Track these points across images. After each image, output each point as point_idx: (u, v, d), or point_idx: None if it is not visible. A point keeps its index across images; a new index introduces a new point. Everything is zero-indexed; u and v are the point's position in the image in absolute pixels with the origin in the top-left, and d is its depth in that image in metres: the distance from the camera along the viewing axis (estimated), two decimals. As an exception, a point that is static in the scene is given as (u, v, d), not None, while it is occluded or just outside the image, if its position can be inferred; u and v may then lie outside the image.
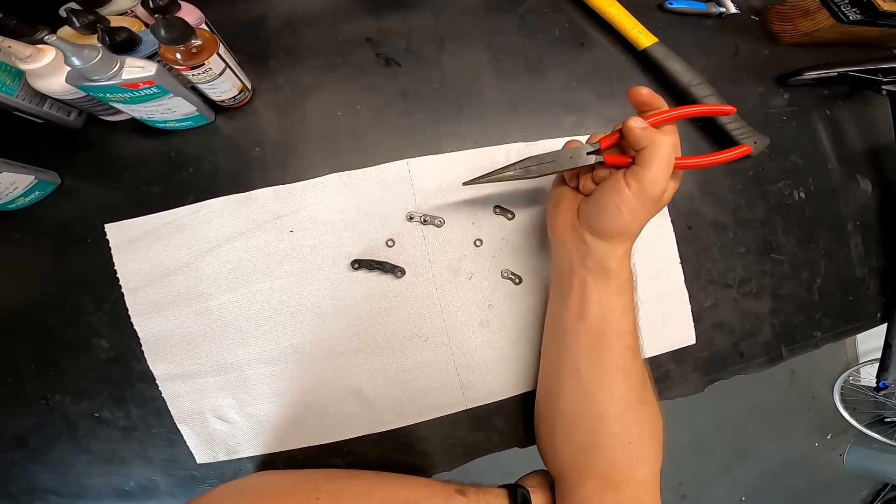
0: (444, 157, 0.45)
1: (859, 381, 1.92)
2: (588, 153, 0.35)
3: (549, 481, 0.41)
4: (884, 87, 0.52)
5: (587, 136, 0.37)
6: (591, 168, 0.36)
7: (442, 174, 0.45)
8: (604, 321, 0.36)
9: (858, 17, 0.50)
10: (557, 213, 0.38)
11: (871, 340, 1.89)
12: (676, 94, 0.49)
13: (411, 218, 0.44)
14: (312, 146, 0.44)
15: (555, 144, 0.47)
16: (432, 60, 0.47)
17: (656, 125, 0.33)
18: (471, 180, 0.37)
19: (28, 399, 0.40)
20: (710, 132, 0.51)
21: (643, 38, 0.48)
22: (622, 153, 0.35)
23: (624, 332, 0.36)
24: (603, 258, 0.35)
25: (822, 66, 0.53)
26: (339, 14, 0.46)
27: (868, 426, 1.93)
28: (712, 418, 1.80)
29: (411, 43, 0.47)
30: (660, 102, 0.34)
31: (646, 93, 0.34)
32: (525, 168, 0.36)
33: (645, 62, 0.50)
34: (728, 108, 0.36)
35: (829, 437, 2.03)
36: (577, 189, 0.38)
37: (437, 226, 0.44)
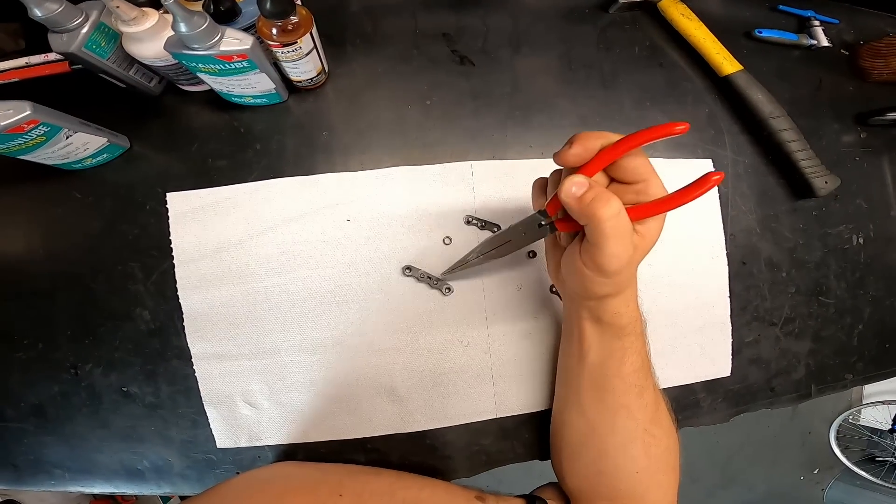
0: (507, 163, 0.44)
1: (859, 420, 1.93)
2: (540, 224, 0.32)
3: (564, 494, 0.41)
4: None
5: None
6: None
7: (503, 180, 0.44)
8: (603, 364, 0.35)
9: None
10: (549, 263, 0.37)
11: (878, 384, 1.89)
12: (752, 125, 0.48)
13: (469, 221, 0.43)
14: (379, 136, 0.43)
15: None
16: (506, 63, 0.46)
17: (611, 162, 0.27)
18: (446, 271, 0.40)
19: (57, 366, 0.40)
20: (781, 167, 0.50)
21: (727, 64, 0.47)
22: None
23: (625, 372, 0.35)
24: (594, 311, 0.33)
25: None
26: (419, 5, 0.45)
27: (856, 464, 1.94)
28: (708, 444, 1.82)
29: (487, 43, 0.46)
30: (597, 142, 0.27)
31: (574, 152, 0.28)
32: (485, 254, 0.37)
33: (723, 89, 0.49)
34: (679, 125, 0.26)
35: (815, 471, 2.04)
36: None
37: (494, 232, 0.44)
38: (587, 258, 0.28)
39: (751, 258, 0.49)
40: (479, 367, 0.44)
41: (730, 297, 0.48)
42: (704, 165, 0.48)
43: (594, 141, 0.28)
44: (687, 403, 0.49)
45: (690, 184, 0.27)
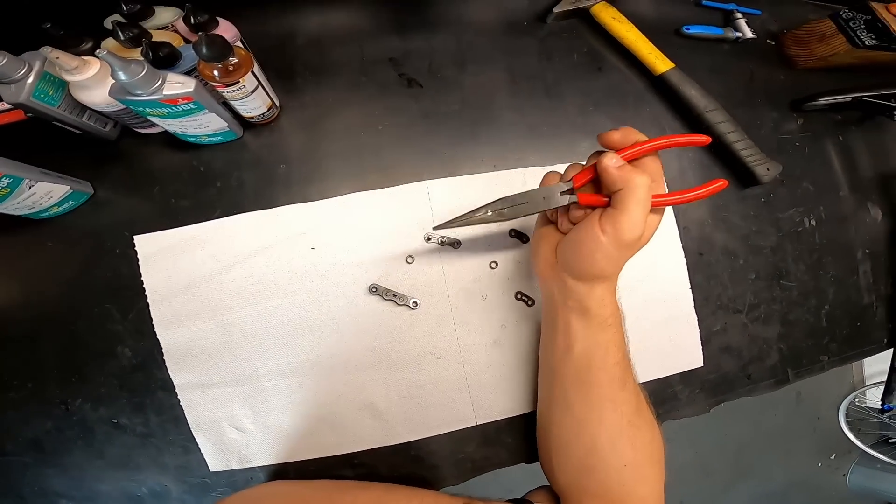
0: (461, 179, 0.46)
1: (865, 402, 1.91)
2: (562, 192, 0.34)
3: (555, 497, 0.41)
4: None
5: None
6: (567, 207, 0.35)
7: (459, 196, 0.46)
8: (588, 356, 0.36)
9: (874, 42, 0.51)
10: (539, 252, 0.38)
11: (877, 364, 1.88)
12: (691, 120, 0.50)
13: (429, 239, 0.45)
14: (335, 164, 0.45)
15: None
16: (453, 82, 0.48)
17: (634, 157, 0.32)
18: (441, 224, 0.36)
19: (48, 403, 0.41)
20: (723, 158, 0.51)
21: (660, 63, 0.49)
22: (597, 191, 0.33)
23: (609, 364, 0.36)
24: (582, 299, 0.35)
25: (837, 91, 0.53)
26: (365, 33, 0.48)
27: (872, 447, 1.91)
28: (716, 438, 1.79)
29: (433, 64, 0.48)
30: (635, 137, 0.32)
31: (616, 137, 0.32)
32: (497, 210, 0.35)
33: (660, 87, 0.51)
34: (701, 137, 0.33)
35: (832, 457, 2.01)
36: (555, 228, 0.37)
37: (454, 247, 0.45)
38: (608, 224, 0.31)
39: (707, 249, 0.51)
40: (454, 377, 0.45)
41: (691, 288, 0.49)
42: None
43: (633, 135, 0.32)
44: (665, 397, 0.50)
45: (697, 187, 0.33)
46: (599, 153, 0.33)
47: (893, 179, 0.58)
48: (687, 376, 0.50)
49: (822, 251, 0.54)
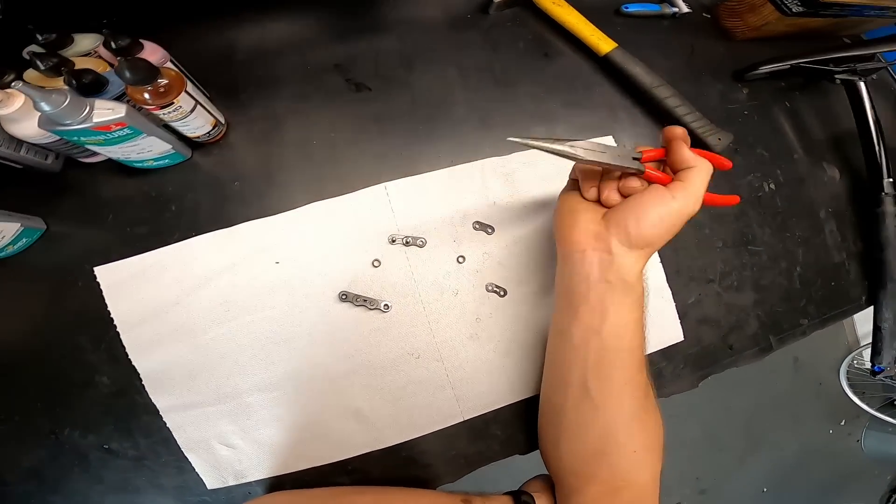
0: (420, 177, 0.46)
1: (864, 363, 1.91)
2: (634, 158, 0.35)
3: (551, 485, 0.41)
4: (836, 76, 0.54)
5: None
6: (619, 178, 0.36)
7: (420, 194, 0.46)
8: (618, 336, 0.36)
9: (801, 8, 0.52)
10: (577, 224, 0.36)
11: (869, 323, 1.89)
12: (639, 97, 0.51)
13: (393, 240, 0.45)
14: (291, 176, 0.45)
15: (527, 157, 0.48)
16: (402, 82, 0.48)
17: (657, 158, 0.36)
18: (520, 140, 0.33)
19: (38, 433, 0.41)
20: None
21: (603, 44, 0.50)
22: (660, 170, 0.36)
23: (635, 346, 0.36)
24: (626, 271, 0.35)
25: (775, 59, 0.54)
26: (306, 43, 0.48)
27: (880, 409, 1.91)
28: (721, 411, 1.79)
29: (380, 66, 0.48)
30: (684, 141, 0.35)
31: (680, 132, 0.35)
32: (574, 147, 0.33)
33: (607, 68, 0.52)
34: (725, 161, 0.39)
35: (842, 423, 2.01)
36: (592, 201, 0.38)
37: (420, 246, 0.45)
38: (679, 192, 0.33)
39: (671, 221, 0.51)
40: (435, 376, 0.45)
41: (661, 261, 0.50)
42: (607, 141, 0.51)
43: (684, 139, 0.35)
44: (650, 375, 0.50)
45: (726, 195, 0.40)
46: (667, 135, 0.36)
47: (844, 139, 0.59)
48: (669, 352, 0.50)
49: (785, 214, 0.55)
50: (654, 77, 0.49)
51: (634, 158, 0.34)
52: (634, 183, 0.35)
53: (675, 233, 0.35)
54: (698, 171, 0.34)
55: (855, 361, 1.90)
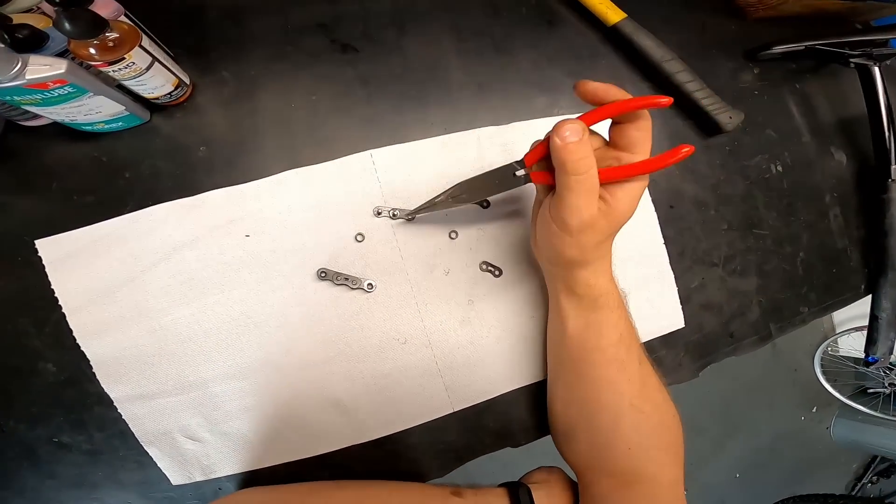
0: (410, 145, 0.42)
1: (838, 351, 1.96)
2: (516, 172, 0.32)
3: (557, 477, 0.40)
4: (851, 60, 0.52)
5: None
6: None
7: (409, 164, 0.42)
8: (582, 337, 0.36)
9: None
10: (532, 231, 0.36)
11: (846, 310, 1.93)
12: (648, 71, 0.48)
13: (379, 213, 0.41)
14: (265, 142, 0.40)
15: (527, 127, 0.45)
16: (393, 44, 0.44)
17: (597, 121, 0.29)
18: (409, 212, 0.39)
19: None
20: (685, 109, 0.49)
21: (612, 13, 0.47)
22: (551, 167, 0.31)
23: (605, 345, 0.35)
24: (566, 280, 0.34)
25: (789, 40, 0.53)
26: (287, 1, 0.43)
27: (851, 398, 1.97)
28: (702, 396, 1.83)
29: (369, 26, 0.44)
30: (616, 94, 0.29)
31: (591, 87, 0.29)
32: (454, 196, 0.35)
33: (615, 39, 0.48)
34: (663, 99, 0.29)
35: (814, 409, 2.07)
36: None
37: (409, 220, 0.41)
38: (554, 211, 0.29)
39: (677, 201, 0.48)
40: (423, 363, 0.42)
41: (665, 243, 0.47)
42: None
43: (615, 92, 0.29)
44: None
45: (660, 155, 0.29)
46: (565, 121, 0.28)
47: (853, 124, 0.58)
48: (670, 339, 0.48)
49: (791, 197, 0.53)
50: (665, 50, 0.46)
51: (518, 173, 0.33)
52: (540, 193, 0.34)
53: (588, 245, 0.31)
54: (563, 178, 0.28)
55: (829, 349, 1.95)
